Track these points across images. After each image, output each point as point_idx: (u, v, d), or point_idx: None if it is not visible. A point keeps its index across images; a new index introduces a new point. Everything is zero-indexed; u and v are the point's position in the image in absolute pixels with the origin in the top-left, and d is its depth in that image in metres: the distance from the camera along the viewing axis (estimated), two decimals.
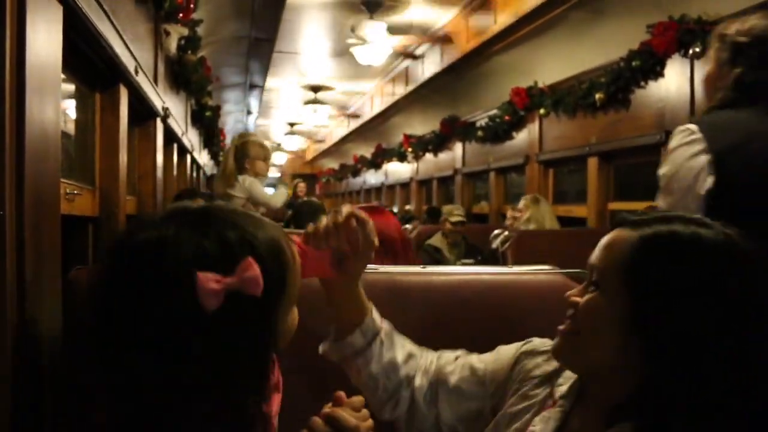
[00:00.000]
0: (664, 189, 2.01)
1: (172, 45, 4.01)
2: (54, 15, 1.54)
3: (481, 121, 7.58)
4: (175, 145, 4.83)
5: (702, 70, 4.17)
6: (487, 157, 7.65)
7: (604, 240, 1.06)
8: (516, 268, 1.78)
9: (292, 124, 15.01)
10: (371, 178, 13.94)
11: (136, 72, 2.74)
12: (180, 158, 5.34)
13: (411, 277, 1.66)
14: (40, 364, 1.42)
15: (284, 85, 10.57)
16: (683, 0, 4.17)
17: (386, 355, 1.31)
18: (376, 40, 6.75)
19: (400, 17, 6.78)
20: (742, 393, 0.91)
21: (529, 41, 5.59)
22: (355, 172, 15.14)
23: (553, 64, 5.92)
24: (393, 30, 6.74)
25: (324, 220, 1.20)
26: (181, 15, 3.84)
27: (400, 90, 9.15)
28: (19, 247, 1.28)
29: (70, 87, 2.41)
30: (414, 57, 7.50)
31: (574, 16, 4.86)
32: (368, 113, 11.39)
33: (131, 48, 2.57)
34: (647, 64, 4.57)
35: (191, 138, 6.16)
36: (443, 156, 9.32)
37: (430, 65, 7.78)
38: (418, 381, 1.33)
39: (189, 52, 4.56)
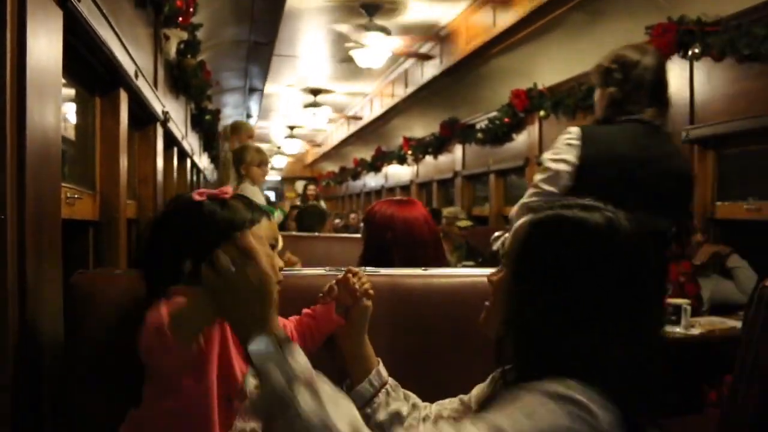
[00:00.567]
0: (545, 169, 2.47)
1: (172, 49, 4.01)
2: (54, 20, 1.55)
3: (481, 123, 7.58)
4: (175, 149, 4.83)
5: (702, 71, 4.19)
6: (487, 160, 7.65)
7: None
8: None
9: (291, 128, 15.01)
10: (371, 180, 13.94)
11: (136, 76, 2.74)
12: (180, 162, 5.34)
13: (413, 279, 1.67)
14: (41, 367, 1.42)
15: (284, 89, 10.58)
16: (682, 1, 4.18)
17: (392, 405, 1.40)
18: (375, 43, 6.75)
19: (399, 19, 6.79)
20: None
21: (529, 43, 5.59)
22: (355, 175, 15.14)
23: (553, 66, 5.92)
24: (393, 32, 6.74)
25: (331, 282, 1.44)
26: (180, 19, 3.84)
27: (400, 93, 9.15)
28: (20, 250, 1.28)
29: (71, 91, 2.41)
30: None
31: (574, 18, 4.86)
32: (368, 116, 11.40)
33: (131, 52, 2.57)
34: None
35: (191, 142, 6.16)
36: (443, 158, 9.32)
37: (430, 68, 7.78)
38: (421, 427, 1.39)
39: (188, 56, 4.56)
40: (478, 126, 7.66)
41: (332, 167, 18.54)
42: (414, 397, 1.44)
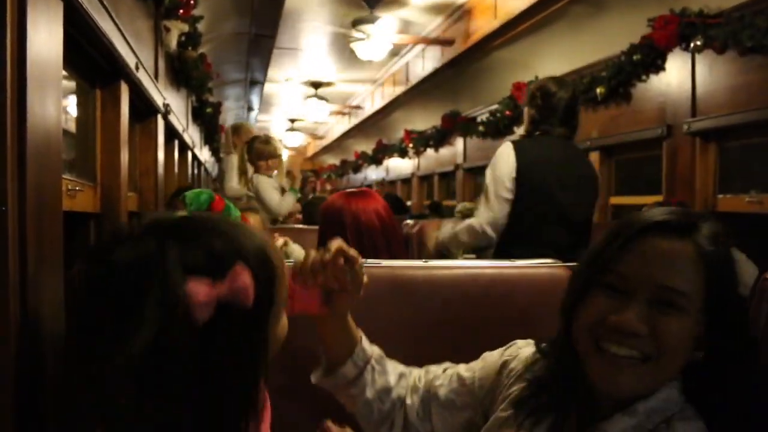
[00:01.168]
0: (492, 181, 2.99)
1: (173, 41, 3.99)
2: (54, 11, 1.54)
3: (482, 116, 7.57)
4: (176, 142, 4.83)
5: (704, 64, 4.18)
6: (488, 152, 7.61)
7: (657, 253, 1.00)
8: (519, 262, 1.79)
9: (292, 121, 15.01)
10: (372, 173, 13.94)
11: (137, 68, 2.73)
12: (181, 155, 5.33)
13: (414, 271, 1.67)
14: (42, 359, 1.42)
15: (285, 82, 10.57)
16: None
17: (379, 381, 1.32)
18: (376, 35, 6.74)
19: (400, 12, 6.78)
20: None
21: (530, 36, 5.58)
22: (356, 168, 15.13)
23: (554, 58, 5.91)
24: (394, 24, 6.73)
25: (312, 255, 1.18)
26: (181, 11, 3.84)
27: (401, 85, 9.14)
28: (21, 243, 1.28)
29: (71, 84, 2.41)
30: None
31: (575, 10, 4.85)
32: (369, 109, 11.39)
33: (132, 44, 2.57)
34: (648, 57, 4.56)
35: (192, 134, 6.15)
36: (444, 151, 9.31)
37: (431, 61, 7.77)
38: (409, 400, 1.34)
39: (189, 48, 4.55)
40: (479, 119, 7.65)
41: (333, 160, 18.54)
42: (400, 366, 1.38)
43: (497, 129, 7.12)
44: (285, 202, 4.66)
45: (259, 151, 4.67)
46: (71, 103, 2.45)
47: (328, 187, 16.14)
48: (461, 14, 6.66)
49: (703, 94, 4.22)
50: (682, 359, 1.00)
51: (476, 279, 1.67)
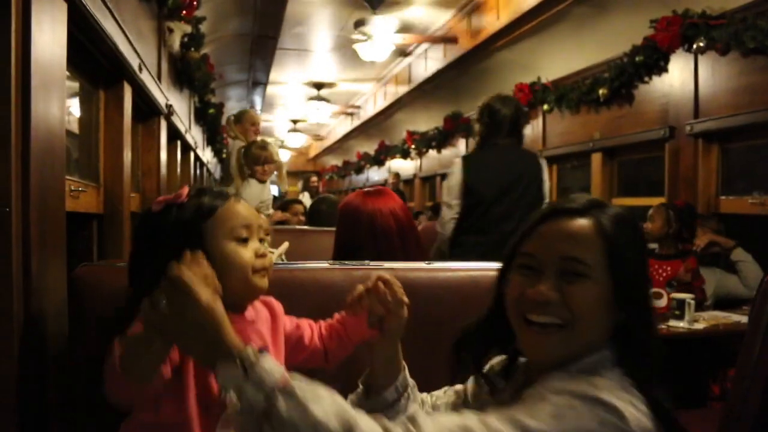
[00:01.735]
0: (446, 190, 3.56)
1: (176, 42, 4.00)
2: (59, 12, 1.55)
3: None
4: (179, 142, 4.83)
5: (706, 65, 4.18)
6: None
7: (560, 232, 1.13)
8: None
9: (295, 121, 15.01)
10: (374, 174, 13.94)
11: (140, 69, 2.74)
12: (183, 155, 5.34)
13: (416, 273, 1.67)
14: (46, 358, 1.43)
15: (287, 83, 10.57)
16: None
17: (410, 407, 1.38)
18: (379, 36, 6.74)
19: (402, 13, 6.78)
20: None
21: (533, 37, 5.58)
22: (359, 169, 15.14)
23: (557, 59, 5.92)
24: (396, 27, 6.73)
25: (359, 288, 1.32)
26: (184, 12, 3.84)
27: (403, 87, 9.14)
28: (24, 243, 1.28)
29: (75, 84, 2.41)
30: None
31: (577, 12, 4.85)
32: (371, 110, 11.39)
33: (135, 45, 2.57)
34: (651, 59, 4.56)
35: (195, 135, 6.16)
36: (446, 152, 9.31)
37: (433, 62, 7.77)
38: (442, 419, 1.38)
39: (192, 49, 4.56)
40: None
41: (336, 161, 18.54)
42: (419, 395, 1.43)
43: None
44: (264, 193, 4.76)
45: (255, 155, 4.66)
46: (75, 104, 2.45)
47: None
48: (471, 9, 6.63)
49: (705, 96, 4.22)
50: (598, 322, 1.10)
51: (478, 281, 1.67)
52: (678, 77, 4.43)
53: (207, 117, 6.97)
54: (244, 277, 1.25)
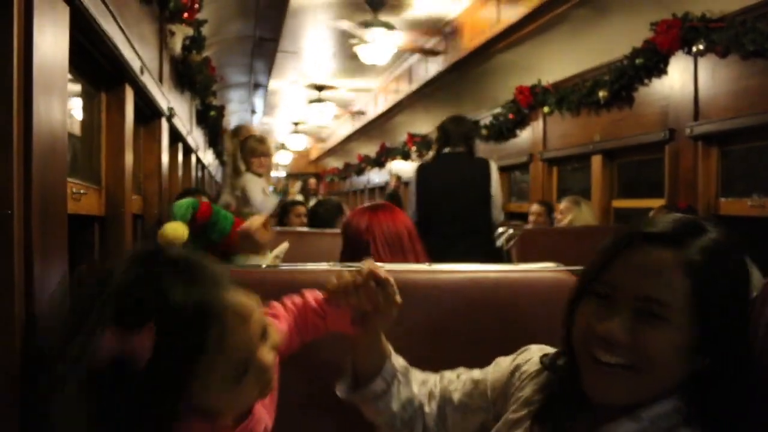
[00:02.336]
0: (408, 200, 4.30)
1: (177, 45, 4.01)
2: (61, 15, 1.55)
3: (485, 119, 7.58)
4: (180, 145, 4.84)
5: (706, 68, 4.18)
6: (491, 156, 7.60)
7: (641, 264, 1.00)
8: (522, 266, 1.79)
9: (296, 124, 15.02)
10: (375, 177, 13.94)
11: (142, 72, 2.74)
12: (185, 158, 5.35)
13: (417, 275, 1.67)
14: (48, 360, 1.43)
15: (288, 85, 10.58)
16: None
17: (403, 392, 1.34)
18: (379, 39, 6.75)
19: (403, 15, 6.78)
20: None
21: (533, 39, 5.58)
22: (360, 171, 15.14)
23: (557, 62, 5.92)
24: (397, 28, 6.73)
25: (345, 277, 1.21)
26: (185, 15, 3.85)
27: (404, 89, 9.14)
28: (26, 246, 1.29)
29: (77, 87, 2.42)
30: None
31: (578, 14, 4.85)
32: (372, 112, 11.40)
33: (137, 48, 2.58)
34: (651, 61, 4.56)
35: (196, 137, 6.17)
36: None
37: (434, 64, 7.78)
38: (427, 408, 1.36)
39: (194, 52, 4.57)
40: (482, 122, 7.65)
41: (336, 163, 18.55)
42: (420, 375, 1.40)
43: (500, 132, 7.12)
44: (267, 203, 4.65)
45: (252, 148, 4.66)
46: (76, 107, 2.46)
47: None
48: (457, 25, 6.69)
49: (705, 98, 4.22)
50: (672, 369, 0.99)
51: (479, 283, 1.67)
52: (678, 80, 4.43)
53: (208, 119, 6.98)
54: (248, 405, 1.05)
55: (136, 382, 0.87)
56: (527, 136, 6.81)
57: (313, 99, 11.21)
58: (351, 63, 8.34)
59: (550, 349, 1.24)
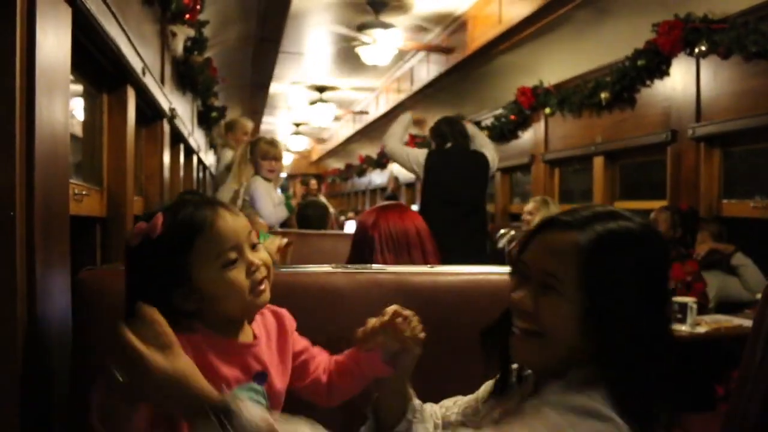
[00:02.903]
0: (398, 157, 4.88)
1: (179, 46, 4.00)
2: (63, 17, 1.55)
3: (487, 120, 7.58)
4: (182, 146, 4.84)
5: (708, 69, 4.18)
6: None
7: (546, 244, 1.13)
8: None
9: (297, 125, 15.02)
10: (377, 178, 13.94)
11: (143, 73, 2.74)
12: (186, 159, 5.35)
13: (419, 277, 1.67)
14: (49, 362, 1.43)
15: (290, 86, 10.58)
16: None
17: (419, 428, 1.37)
18: (381, 40, 6.75)
19: (405, 17, 6.78)
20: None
21: (535, 41, 5.59)
22: (361, 172, 15.14)
23: (559, 63, 5.92)
24: (399, 29, 6.74)
25: (371, 322, 1.27)
26: (187, 16, 3.84)
27: (406, 90, 9.14)
28: (29, 247, 1.29)
29: (78, 88, 2.42)
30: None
31: (580, 16, 4.86)
32: (374, 113, 11.40)
33: (138, 49, 2.58)
34: (653, 63, 4.57)
35: (197, 138, 6.17)
36: None
37: (436, 65, 7.78)
38: None
39: (195, 53, 4.56)
40: (483, 123, 7.65)
41: (338, 164, 18.55)
42: (428, 407, 1.42)
43: (502, 133, 7.12)
44: (277, 214, 4.45)
45: (263, 151, 4.47)
46: (78, 108, 2.46)
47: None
48: (459, 25, 6.68)
49: (707, 99, 4.22)
50: (570, 337, 1.08)
51: (481, 285, 1.67)
52: (680, 81, 4.43)
53: (210, 120, 6.98)
54: (240, 301, 1.18)
55: (155, 247, 1.15)
56: (529, 137, 6.82)
57: (314, 100, 11.22)
58: (352, 64, 8.34)
59: None
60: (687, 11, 4.17)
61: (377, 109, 11.08)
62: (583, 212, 1.14)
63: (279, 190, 4.86)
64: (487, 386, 1.37)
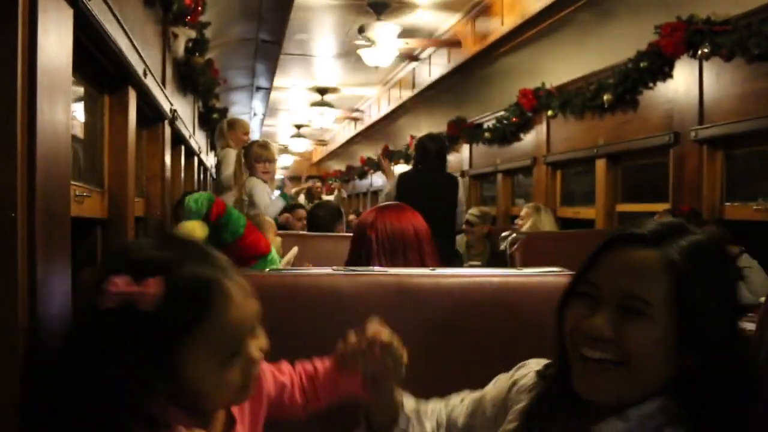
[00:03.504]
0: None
1: (180, 47, 4.01)
2: (65, 18, 1.55)
3: (489, 122, 7.57)
4: (183, 148, 4.84)
5: (711, 71, 4.17)
6: (494, 159, 7.64)
7: (623, 264, 1.04)
8: (525, 270, 1.78)
9: (298, 126, 15.02)
10: (378, 179, 13.93)
11: (145, 75, 2.74)
12: (187, 160, 5.35)
13: (420, 279, 1.66)
14: (50, 364, 1.42)
15: (291, 87, 10.59)
16: (691, 0, 4.16)
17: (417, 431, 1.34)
18: (383, 41, 6.75)
19: (407, 19, 6.78)
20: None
21: (537, 42, 5.58)
22: (362, 174, 15.13)
23: (561, 65, 5.91)
24: (400, 32, 6.73)
25: (350, 340, 1.21)
26: (188, 17, 3.85)
27: (407, 91, 9.15)
28: (29, 249, 1.28)
29: (80, 89, 2.42)
30: (416, 59, 7.42)
31: (582, 18, 4.85)
32: (375, 115, 11.40)
33: (140, 51, 2.58)
34: (655, 65, 4.56)
35: (198, 140, 6.17)
36: (450, 158, 9.21)
37: (437, 67, 7.78)
38: None
39: (196, 54, 4.57)
40: (485, 125, 7.65)
41: (339, 166, 18.54)
42: (429, 406, 1.40)
43: (504, 135, 7.11)
44: (272, 207, 4.67)
45: (256, 154, 4.67)
46: (79, 109, 2.46)
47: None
48: (476, 14, 6.62)
49: (710, 102, 4.21)
50: (656, 365, 1.01)
51: (483, 287, 1.67)
52: (682, 83, 4.42)
53: (211, 122, 6.99)
54: (226, 400, 1.06)
55: (141, 324, 0.91)
56: (531, 139, 6.81)
57: (315, 102, 11.22)
58: (354, 65, 8.34)
59: (543, 362, 1.26)
60: (689, 13, 4.16)
61: (378, 110, 11.08)
62: (649, 226, 1.07)
63: (277, 192, 5.02)
64: (498, 383, 1.33)
